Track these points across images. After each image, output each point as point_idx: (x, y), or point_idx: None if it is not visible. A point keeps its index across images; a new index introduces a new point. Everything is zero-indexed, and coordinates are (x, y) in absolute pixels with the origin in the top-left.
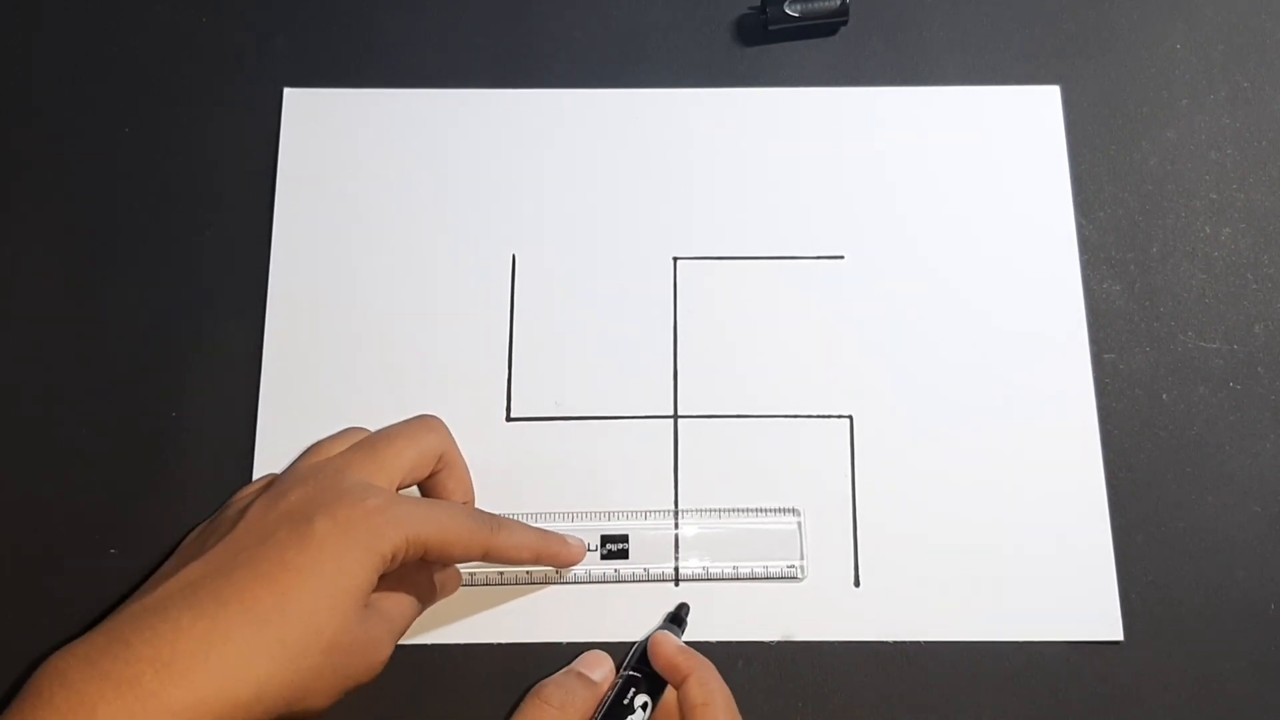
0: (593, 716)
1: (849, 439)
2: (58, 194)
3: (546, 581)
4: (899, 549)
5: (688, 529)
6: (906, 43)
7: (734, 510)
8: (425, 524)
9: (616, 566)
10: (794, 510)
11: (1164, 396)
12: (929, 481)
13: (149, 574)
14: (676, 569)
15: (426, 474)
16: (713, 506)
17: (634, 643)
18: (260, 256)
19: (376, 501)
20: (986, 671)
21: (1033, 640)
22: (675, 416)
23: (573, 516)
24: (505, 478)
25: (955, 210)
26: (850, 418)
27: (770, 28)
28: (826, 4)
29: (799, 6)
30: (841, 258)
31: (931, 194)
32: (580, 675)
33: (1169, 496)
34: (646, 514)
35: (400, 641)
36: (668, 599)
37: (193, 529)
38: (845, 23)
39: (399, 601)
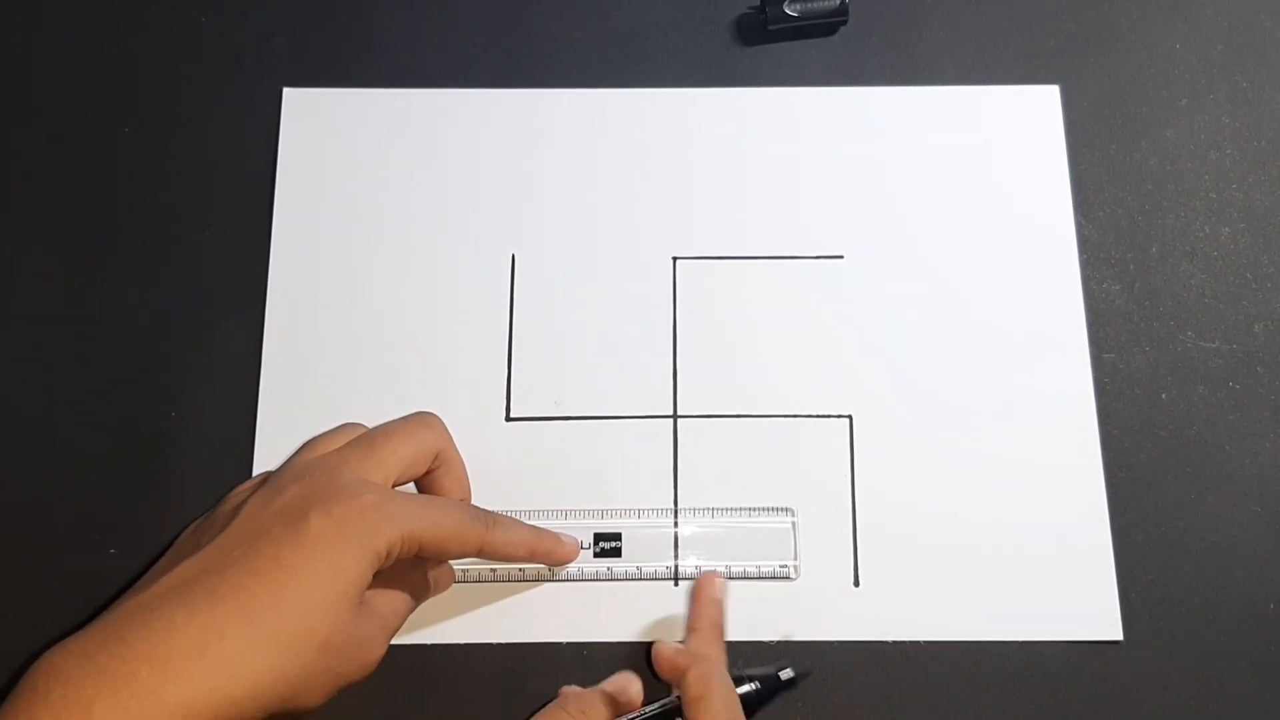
0: None
1: (848, 439)
2: (58, 194)
3: (539, 579)
4: (899, 549)
5: (680, 528)
6: (906, 43)
7: (727, 510)
8: (420, 520)
9: (609, 565)
10: (788, 510)
11: (1164, 396)
12: (929, 481)
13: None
14: (670, 568)
15: (423, 471)
16: (709, 506)
17: (633, 643)
18: (260, 256)
19: (372, 497)
20: (986, 671)
21: (1033, 640)
22: (675, 416)
23: (566, 514)
24: (505, 477)
25: (955, 210)
26: (850, 418)
27: (770, 28)
28: (826, 4)
29: (799, 6)
30: (841, 258)
31: (931, 194)
32: (605, 693)
33: (1169, 496)
34: (640, 512)
35: (397, 641)
36: (666, 599)
37: (188, 525)
38: (845, 23)
39: (392, 599)
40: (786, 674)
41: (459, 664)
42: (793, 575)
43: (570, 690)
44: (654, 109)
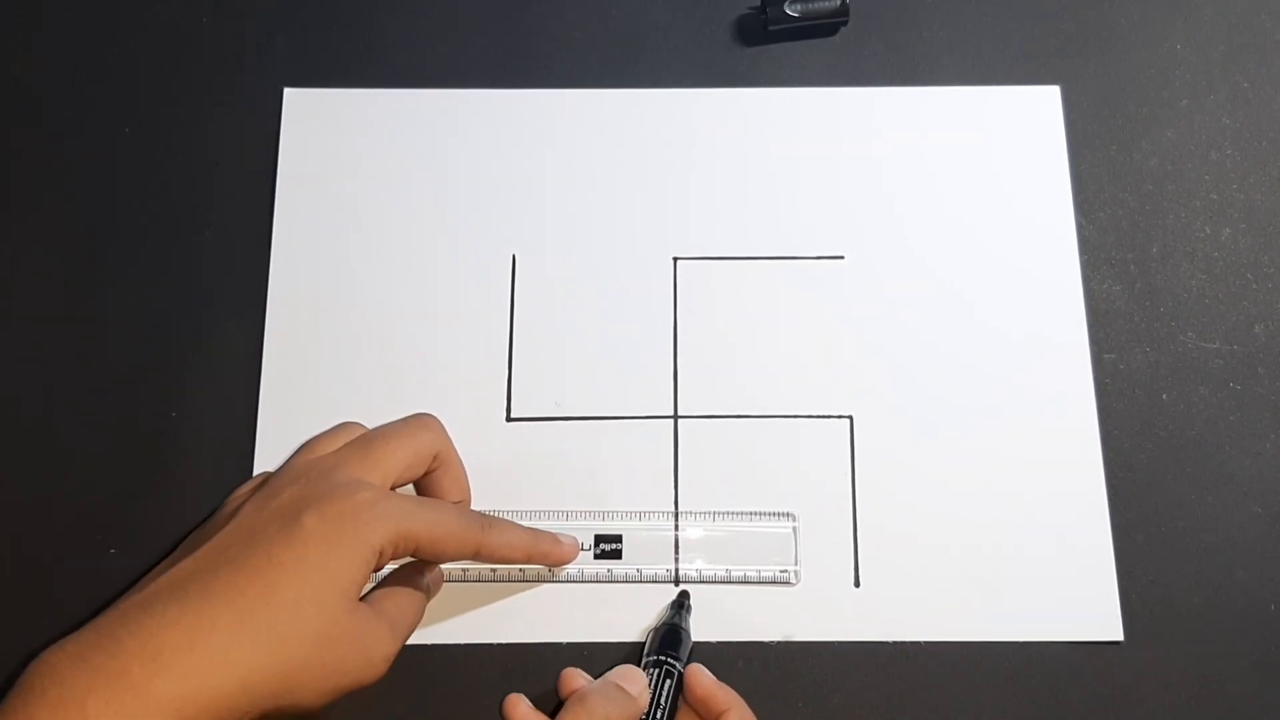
0: None
1: (849, 439)
2: (58, 194)
3: (539, 580)
4: (899, 549)
5: (681, 531)
6: (906, 43)
7: (729, 514)
8: (415, 520)
9: (609, 566)
10: (789, 515)
11: (1164, 396)
12: (929, 481)
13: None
14: (670, 570)
15: (422, 472)
16: (711, 509)
17: (634, 643)
18: (260, 256)
19: (366, 496)
20: (986, 671)
21: (1033, 640)
22: (675, 417)
23: (567, 515)
24: (505, 478)
25: (955, 210)
26: (850, 418)
27: (770, 28)
28: (826, 4)
29: (799, 6)
30: (841, 258)
31: (932, 194)
32: (620, 688)
33: (1169, 496)
34: (640, 514)
35: None
36: (666, 599)
37: (191, 531)
38: (845, 23)
39: (400, 601)
40: (673, 613)
41: (459, 664)
42: (793, 580)
43: (575, 678)
44: (654, 109)
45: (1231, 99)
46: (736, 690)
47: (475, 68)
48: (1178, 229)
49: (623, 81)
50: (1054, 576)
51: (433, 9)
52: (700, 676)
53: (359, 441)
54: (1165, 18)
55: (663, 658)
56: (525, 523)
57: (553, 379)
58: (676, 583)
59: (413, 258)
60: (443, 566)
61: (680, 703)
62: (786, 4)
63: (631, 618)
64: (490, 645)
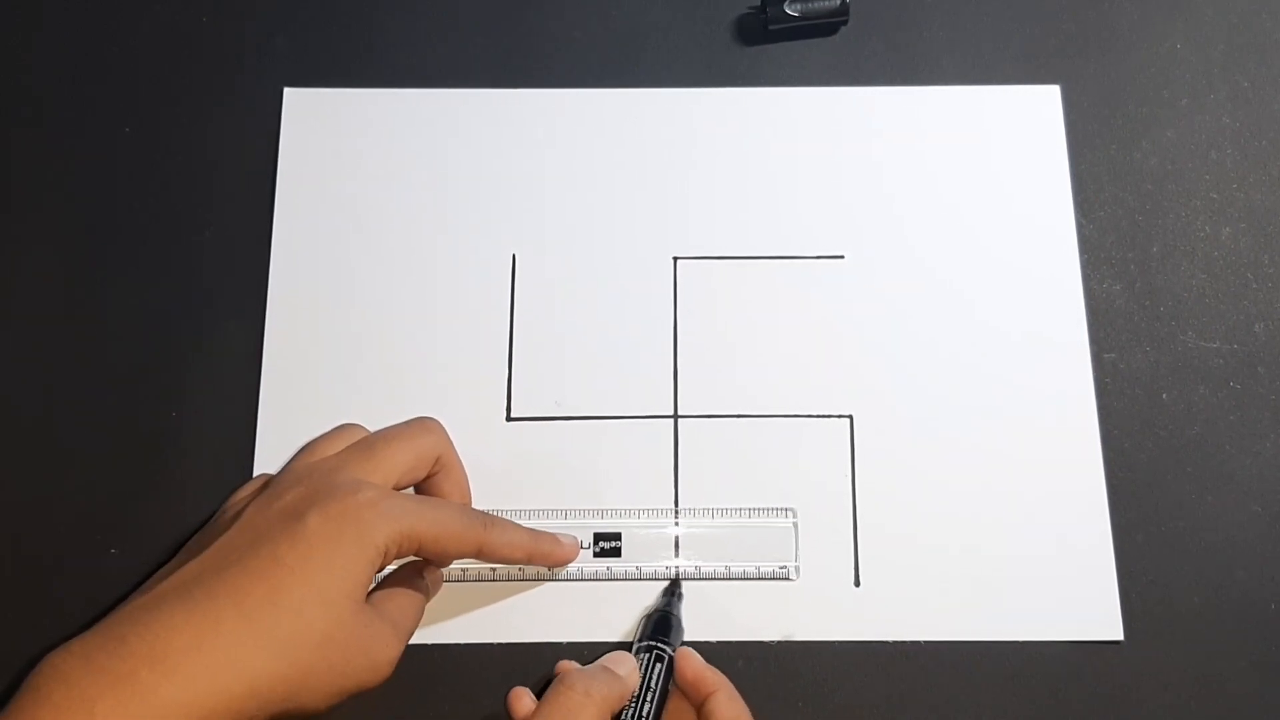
0: (633, 705)
1: (849, 439)
2: (58, 194)
3: (539, 579)
4: (899, 549)
5: (680, 528)
6: (906, 43)
7: (728, 510)
8: (418, 519)
9: (609, 565)
10: (789, 510)
11: (1164, 396)
12: (929, 481)
13: (149, 574)
14: (669, 567)
15: (423, 475)
16: (709, 506)
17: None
18: (260, 256)
19: (369, 495)
20: (986, 671)
21: (1033, 640)
22: (675, 416)
23: (566, 514)
24: (505, 477)
25: (955, 210)
26: (850, 418)
27: (770, 28)
28: (826, 4)
29: (799, 6)
30: (841, 258)
31: (932, 194)
32: (607, 669)
33: (1169, 496)
34: (639, 512)
35: None
36: None
37: (192, 533)
38: (845, 23)
39: (401, 603)
40: (664, 599)
41: (459, 664)
42: (793, 576)
43: (569, 666)
44: (654, 109)
45: (1231, 99)
46: (737, 690)
47: (475, 68)
48: (1178, 229)
49: (623, 81)
50: (1054, 576)
51: (433, 9)
52: (690, 659)
53: (361, 444)
54: (1165, 18)
55: (653, 642)
56: (524, 522)
57: (553, 379)
58: (676, 580)
59: (413, 258)
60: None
61: (671, 687)
62: (786, 4)
63: (631, 617)
64: (490, 645)
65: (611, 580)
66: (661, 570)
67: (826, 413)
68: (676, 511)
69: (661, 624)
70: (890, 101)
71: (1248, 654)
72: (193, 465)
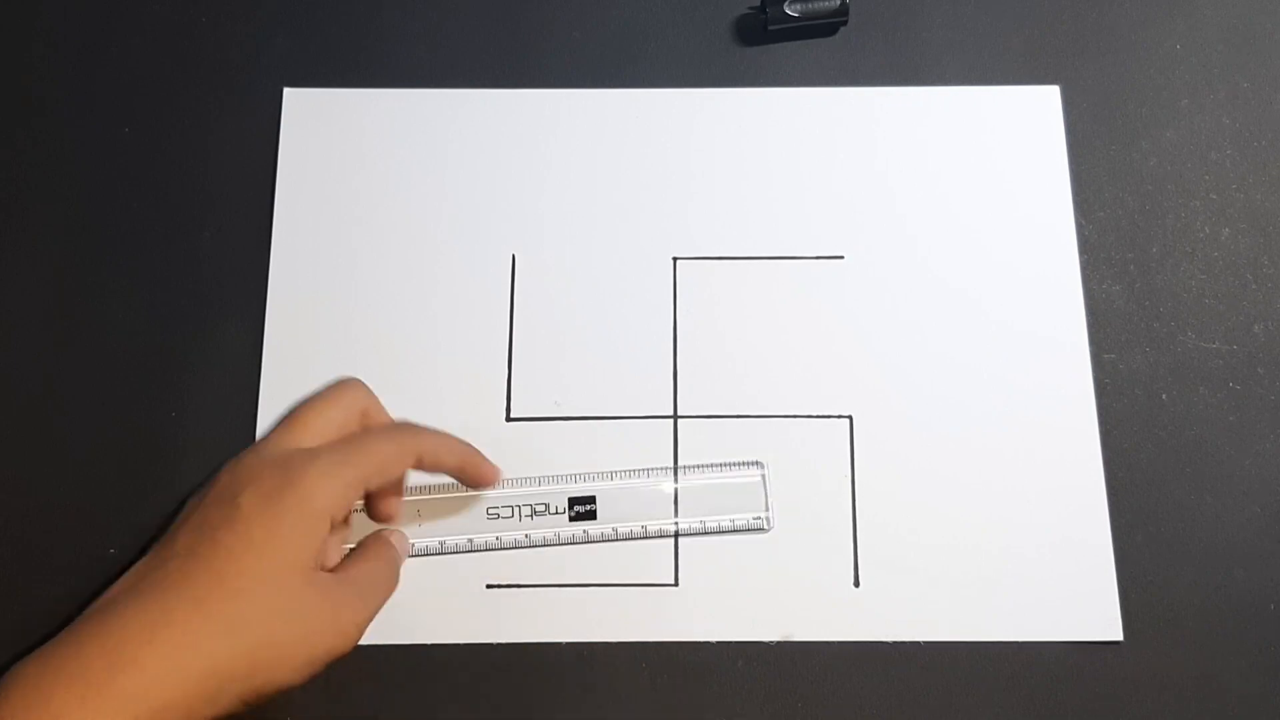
0: None
1: (849, 439)
2: (58, 194)
3: (516, 546)
4: (899, 549)
5: (655, 487)
6: (906, 43)
7: (697, 466)
8: (350, 464)
9: (585, 527)
10: (757, 463)
11: (1164, 396)
12: (929, 481)
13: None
14: (645, 527)
15: (353, 430)
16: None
17: (634, 643)
18: (260, 256)
19: (298, 462)
20: (986, 671)
21: (1033, 640)
22: (675, 416)
23: (540, 480)
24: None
25: (955, 210)
26: (850, 418)
27: (770, 28)
28: (826, 4)
29: (799, 6)
30: (841, 258)
31: (931, 194)
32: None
33: (1169, 496)
34: (613, 474)
35: (397, 641)
36: (666, 599)
37: None
38: (845, 23)
39: (368, 569)
40: None
41: (459, 664)
42: (766, 526)
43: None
44: (654, 109)
45: (1231, 99)
46: (735, 690)
47: (475, 68)
48: (1178, 229)
49: (623, 81)
50: (1054, 576)
51: (433, 9)
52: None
53: (285, 417)
54: (1165, 18)
55: None
56: (511, 491)
57: (552, 379)
58: (676, 581)
59: (412, 258)
60: (421, 541)
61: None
62: (786, 4)
63: (631, 616)
64: (490, 645)
65: (589, 543)
66: (638, 529)
67: (826, 413)
68: (645, 471)
69: None
70: (890, 102)
71: (1248, 654)
72: (193, 465)
